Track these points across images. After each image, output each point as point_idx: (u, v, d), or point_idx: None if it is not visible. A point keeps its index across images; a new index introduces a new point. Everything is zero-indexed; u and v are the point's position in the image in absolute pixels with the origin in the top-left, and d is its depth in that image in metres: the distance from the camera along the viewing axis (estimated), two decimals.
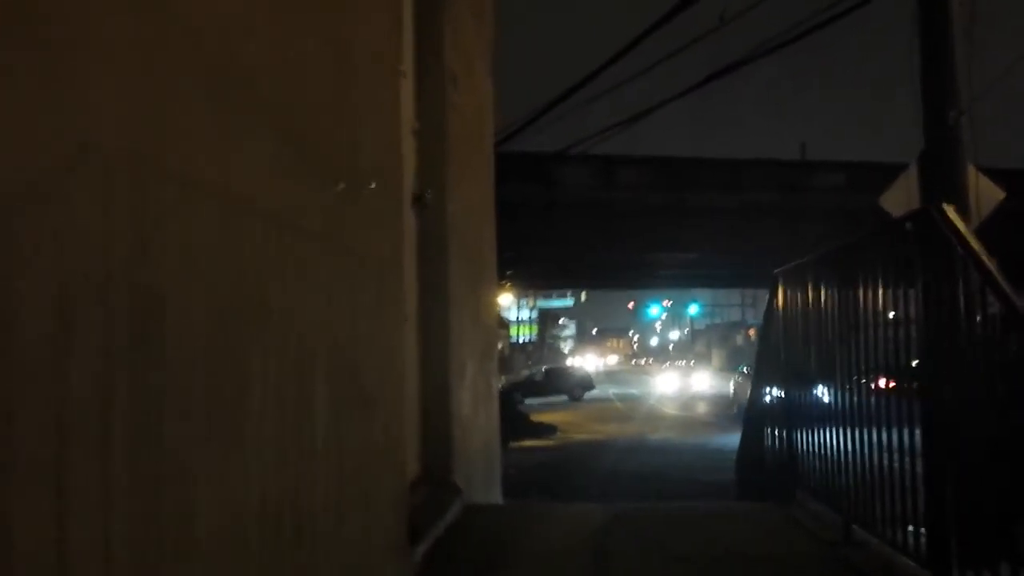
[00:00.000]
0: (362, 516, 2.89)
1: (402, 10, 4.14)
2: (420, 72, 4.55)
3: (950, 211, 3.04)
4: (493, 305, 7.15)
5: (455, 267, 4.79)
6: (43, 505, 1.22)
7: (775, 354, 5.34)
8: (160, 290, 1.49)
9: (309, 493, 2.32)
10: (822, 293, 4.31)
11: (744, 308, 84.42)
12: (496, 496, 6.51)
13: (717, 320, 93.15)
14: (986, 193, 9.18)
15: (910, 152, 9.78)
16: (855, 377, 3.95)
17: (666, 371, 55.67)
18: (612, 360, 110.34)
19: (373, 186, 2.88)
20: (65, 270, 1.26)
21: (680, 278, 39.69)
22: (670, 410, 36.15)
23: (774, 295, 5.21)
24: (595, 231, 27.43)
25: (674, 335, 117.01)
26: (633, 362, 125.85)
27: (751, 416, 6.11)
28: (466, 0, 5.35)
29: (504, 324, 56.12)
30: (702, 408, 36.46)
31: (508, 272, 33.95)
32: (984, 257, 2.82)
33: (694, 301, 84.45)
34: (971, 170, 9.10)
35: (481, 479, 5.66)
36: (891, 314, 3.61)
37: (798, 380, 4.89)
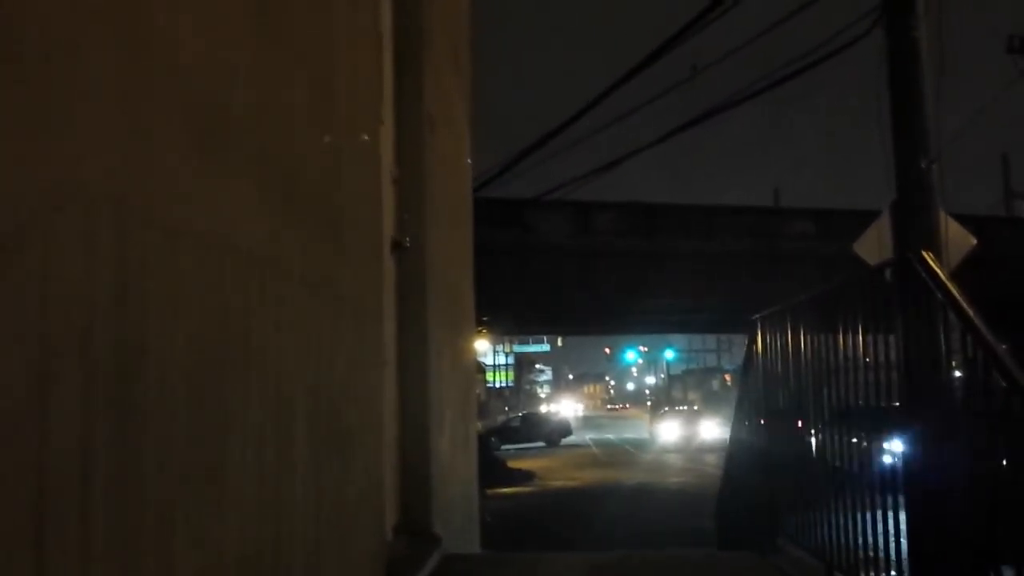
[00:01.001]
0: (340, 567, 2.83)
1: (382, 58, 4.16)
2: (400, 118, 4.56)
3: (929, 258, 3.07)
4: (471, 350, 7.12)
5: (434, 312, 4.76)
6: (23, 558, 1.17)
7: (754, 399, 5.35)
8: (141, 338, 1.46)
9: (288, 543, 2.27)
10: (802, 338, 4.33)
11: (720, 353, 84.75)
12: (475, 544, 6.42)
13: (693, 365, 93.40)
14: (957, 240, 9.32)
15: (883, 196, 9.92)
16: (835, 421, 3.96)
17: (665, 417, 47.77)
18: (586, 406, 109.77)
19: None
20: (46, 318, 1.22)
21: (656, 324, 39.81)
22: (678, 461, 32.71)
23: (753, 341, 5.23)
24: (571, 277, 27.53)
25: (650, 380, 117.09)
26: (608, 407, 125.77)
27: (730, 462, 6.09)
28: (444, 47, 5.39)
29: (480, 369, 55.92)
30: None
31: (484, 318, 33.91)
32: (964, 302, 2.84)
33: (670, 347, 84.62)
34: (943, 216, 9.23)
35: (460, 527, 5.58)
36: (868, 359, 3.62)
37: (777, 425, 4.89)
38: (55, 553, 1.24)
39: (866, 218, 10.51)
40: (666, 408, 52.16)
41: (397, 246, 4.39)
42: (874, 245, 9.65)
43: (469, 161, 6.96)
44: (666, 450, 38.48)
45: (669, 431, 43.77)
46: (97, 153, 1.37)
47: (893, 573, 3.48)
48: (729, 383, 76.80)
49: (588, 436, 49.50)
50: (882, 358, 3.48)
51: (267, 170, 2.13)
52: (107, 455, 1.35)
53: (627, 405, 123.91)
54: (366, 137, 3.26)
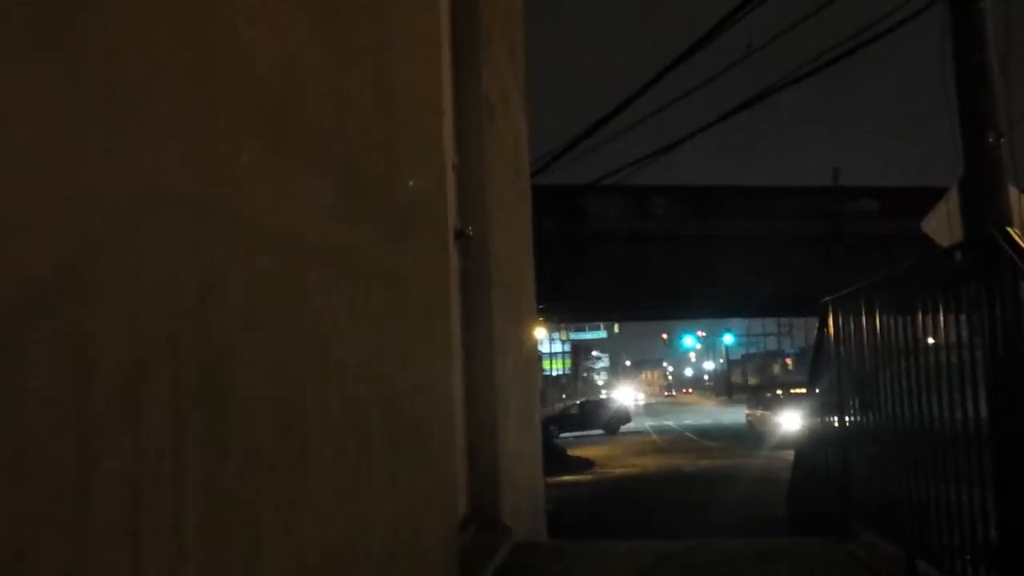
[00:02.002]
0: (414, 559, 2.83)
1: (440, 46, 4.13)
2: (459, 107, 4.54)
3: (1015, 234, 2.95)
4: (534, 339, 7.10)
5: (497, 301, 4.74)
6: (119, 556, 1.17)
7: (827, 382, 5.23)
8: (227, 337, 1.46)
9: (366, 533, 2.27)
10: (879, 320, 4.22)
11: (780, 337, 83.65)
12: (542, 532, 6.41)
13: (752, 350, 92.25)
14: None
15: (948, 174, 9.65)
16: (916, 403, 3.84)
17: (783, 405, 32.42)
18: (645, 393, 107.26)
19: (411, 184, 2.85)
20: (136, 320, 1.22)
21: (714, 308, 39.39)
22: None
23: (824, 323, 5.12)
24: (627, 262, 27.35)
25: (709, 365, 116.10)
26: (666, 394, 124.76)
27: (801, 448, 5.98)
28: (501, 33, 5.36)
29: (538, 357, 55.90)
30: None
31: (540, 305, 33.87)
32: None
33: (729, 331, 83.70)
34: (1013, 192, 8.95)
35: (527, 515, 5.57)
36: (950, 339, 3.51)
37: (853, 406, 4.78)
38: (148, 549, 1.24)
39: (930, 196, 10.21)
40: (778, 392, 37.50)
41: (460, 236, 4.38)
42: (943, 223, 9.40)
43: (527, 146, 6.92)
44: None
45: (791, 421, 28.78)
46: (179, 155, 1.37)
47: (982, 562, 3.35)
48: (791, 367, 75.79)
49: (647, 423, 49.26)
50: (964, 338, 3.36)
51: (336, 167, 2.12)
52: (197, 452, 1.35)
53: (690, 390, 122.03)
54: (428, 127, 3.24)
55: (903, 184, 26.61)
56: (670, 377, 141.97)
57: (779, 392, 38.93)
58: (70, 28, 1.14)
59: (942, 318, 3.47)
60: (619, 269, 27.61)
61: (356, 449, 2.15)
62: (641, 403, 79.09)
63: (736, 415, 46.21)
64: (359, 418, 2.18)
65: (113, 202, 1.21)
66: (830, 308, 4.96)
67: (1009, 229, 2.98)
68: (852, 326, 4.60)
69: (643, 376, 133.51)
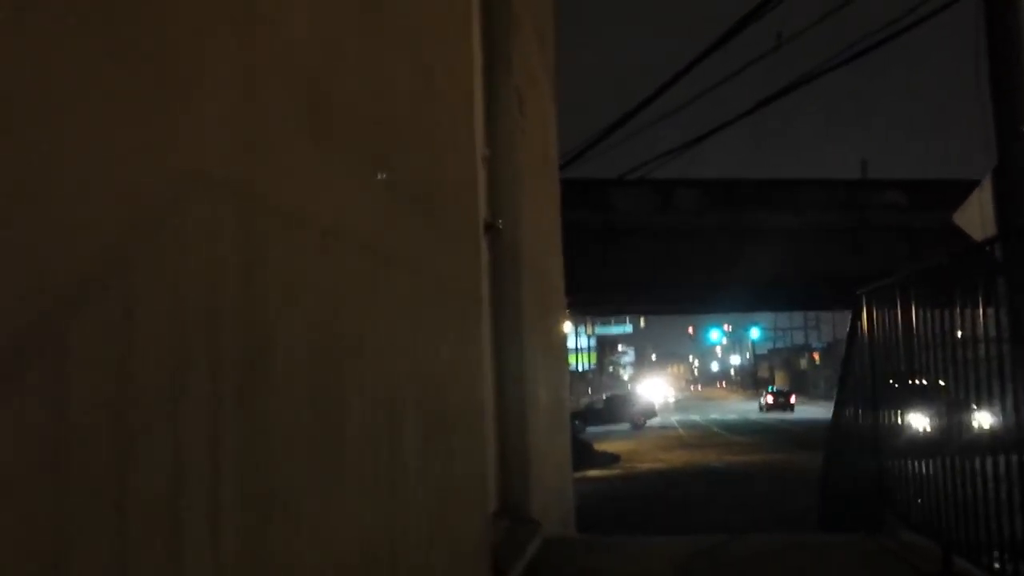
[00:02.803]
0: (448, 552, 2.82)
1: (472, 39, 4.12)
2: (489, 97, 4.52)
3: None
4: (562, 332, 7.07)
5: (527, 294, 4.72)
6: (158, 542, 1.17)
7: (860, 376, 5.17)
8: (266, 326, 1.44)
9: (401, 529, 2.26)
10: (915, 313, 4.16)
11: (807, 331, 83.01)
12: (571, 527, 6.39)
13: (779, 344, 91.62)
14: None
15: (979, 166, 9.50)
16: (953, 395, 3.79)
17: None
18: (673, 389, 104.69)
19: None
20: (178, 307, 1.21)
21: (740, 302, 39.16)
22: None
23: (858, 316, 5.06)
24: (653, 256, 27.25)
25: (735, 360, 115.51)
26: (691, 388, 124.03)
27: (833, 441, 5.92)
28: (531, 24, 5.33)
29: (566, 351, 55.77)
30: None
31: (567, 298, 33.82)
32: None
33: (755, 325, 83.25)
34: None
35: (556, 510, 5.55)
36: (989, 333, 3.44)
37: (887, 400, 4.72)
38: (188, 536, 1.24)
39: (959, 188, 10.05)
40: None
41: (489, 228, 4.36)
42: (975, 215, 9.25)
43: (556, 138, 6.89)
44: None
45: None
46: (219, 141, 1.36)
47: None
48: (818, 362, 75.17)
49: (674, 418, 49.08)
50: (1003, 331, 3.31)
51: (373, 155, 2.11)
52: (236, 443, 1.34)
53: (722, 384, 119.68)
54: (460, 119, 3.22)
55: (931, 176, 26.32)
56: (696, 371, 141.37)
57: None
58: (111, 11, 1.13)
59: (980, 311, 3.41)
60: (645, 262, 27.52)
61: (391, 440, 2.14)
62: (672, 400, 76.22)
63: (772, 412, 46.03)
64: (395, 409, 2.17)
65: (155, 190, 1.20)
66: (864, 301, 4.90)
67: None
68: (887, 319, 4.54)
69: (669, 370, 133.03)
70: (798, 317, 79.73)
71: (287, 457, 1.51)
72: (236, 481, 1.34)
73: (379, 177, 2.11)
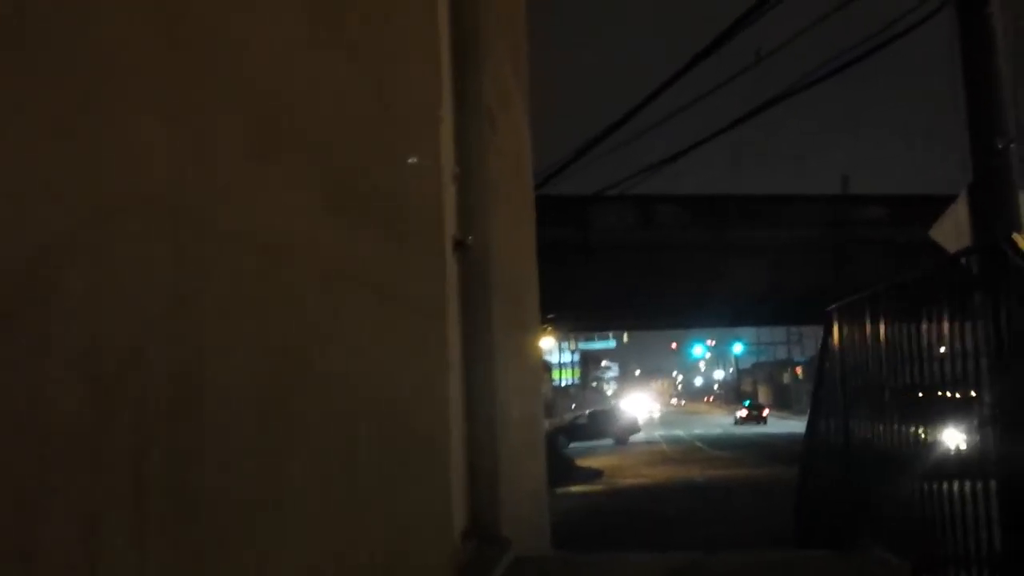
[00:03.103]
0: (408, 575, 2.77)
1: (440, 54, 4.10)
2: (459, 116, 4.50)
3: (1021, 241, 2.90)
4: (537, 349, 7.05)
5: (498, 312, 4.69)
6: None
7: (832, 392, 5.17)
8: (199, 351, 1.40)
9: (356, 554, 2.22)
10: (882, 328, 4.16)
11: (790, 345, 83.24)
12: (545, 545, 6.35)
13: (763, 358, 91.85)
14: None
15: (961, 181, 9.55)
16: (922, 413, 3.78)
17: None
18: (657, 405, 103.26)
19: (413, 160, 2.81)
20: (102, 330, 1.17)
21: (723, 317, 39.28)
22: None
23: (829, 332, 5.06)
24: (635, 272, 27.31)
25: (719, 375, 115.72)
26: (674, 402, 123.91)
27: (807, 457, 5.91)
28: (503, 42, 5.32)
29: (546, 367, 55.82)
30: None
31: (548, 315, 33.83)
32: None
33: (738, 340, 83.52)
34: (1023, 199, 8.86)
35: (529, 527, 5.51)
36: (952, 348, 3.44)
37: (857, 418, 4.71)
38: (109, 571, 1.19)
39: (942, 203, 10.11)
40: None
41: (459, 245, 4.33)
42: (951, 230, 9.30)
43: (530, 156, 6.88)
44: None
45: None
46: (151, 158, 1.32)
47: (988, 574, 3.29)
48: (800, 376, 75.40)
49: (657, 433, 49.06)
50: (969, 346, 3.30)
51: (327, 172, 2.08)
52: (165, 464, 1.30)
53: (709, 399, 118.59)
54: (425, 135, 3.19)
55: (913, 191, 26.49)
56: (679, 386, 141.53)
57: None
58: (36, 23, 1.10)
59: (947, 327, 3.42)
60: (627, 278, 27.58)
61: (343, 467, 2.09)
62: (656, 416, 76.08)
63: (747, 425, 46.17)
64: (347, 433, 2.12)
65: (80, 208, 1.16)
66: (835, 317, 4.91)
67: (1015, 236, 2.92)
68: (856, 335, 4.55)
69: (653, 385, 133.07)
70: (781, 332, 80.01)
71: (222, 483, 1.47)
72: (165, 509, 1.30)
73: (334, 196, 2.08)
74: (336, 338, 2.08)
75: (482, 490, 4.40)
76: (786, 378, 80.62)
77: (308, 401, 1.87)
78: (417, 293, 2.96)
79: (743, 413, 57.84)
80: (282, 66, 1.83)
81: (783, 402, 71.74)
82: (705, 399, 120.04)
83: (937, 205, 10.17)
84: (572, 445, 38.09)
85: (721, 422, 62.24)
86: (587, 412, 49.17)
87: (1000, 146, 8.91)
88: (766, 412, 57.92)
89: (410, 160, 2.96)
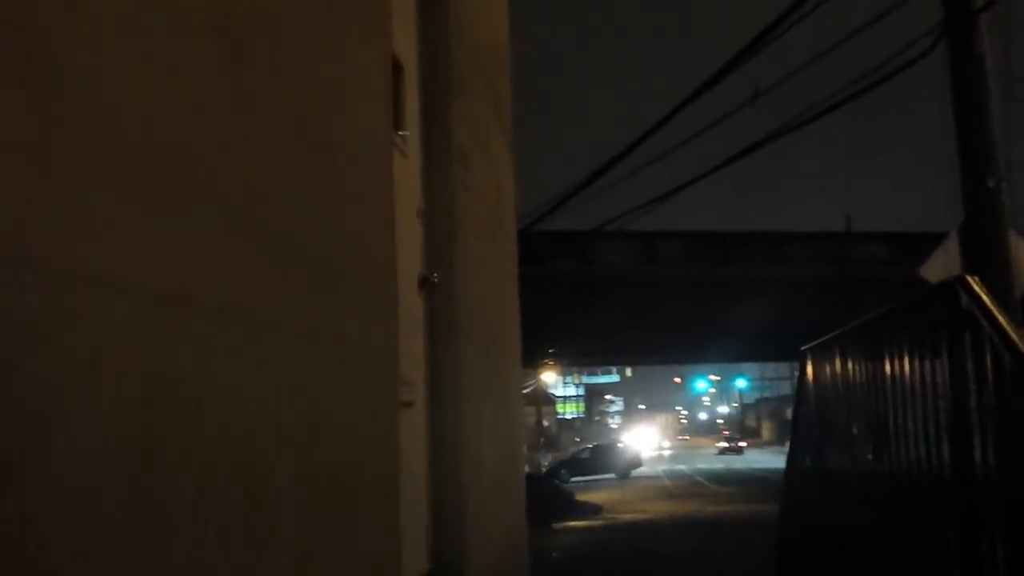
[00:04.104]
0: None
1: (404, 89, 4.09)
2: (427, 151, 4.48)
3: (975, 283, 2.85)
4: (518, 386, 6.98)
5: (468, 351, 4.64)
6: None
7: (808, 432, 5.12)
8: (46, 415, 1.32)
9: None
10: (850, 367, 4.12)
11: (793, 381, 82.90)
12: None
13: (766, 394, 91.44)
14: None
15: (956, 218, 9.51)
16: (889, 451, 3.73)
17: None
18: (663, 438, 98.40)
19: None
20: None
21: (726, 353, 39.17)
22: None
23: (804, 372, 5.03)
24: (637, 307, 27.30)
25: (723, 409, 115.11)
26: (679, 438, 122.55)
27: (787, 494, 5.84)
28: (477, 79, 5.32)
29: (550, 401, 55.59)
30: None
31: (551, 350, 33.75)
32: (1012, 331, 2.62)
33: (742, 375, 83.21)
34: (1013, 237, 8.81)
35: (503, 570, 5.42)
36: (926, 386, 3.40)
37: (832, 456, 4.67)
38: None
39: (938, 241, 10.10)
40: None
41: (425, 282, 4.29)
42: (941, 268, 9.25)
43: (513, 193, 6.85)
44: None
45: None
46: (38, 214, 1.28)
47: None
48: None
49: (659, 468, 48.74)
50: (929, 384, 3.26)
51: (239, 212, 2.02)
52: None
53: (725, 433, 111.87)
54: (376, 173, 3.16)
55: (913, 229, 26.48)
56: (684, 421, 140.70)
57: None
58: None
59: (908, 366, 3.37)
60: (629, 314, 27.58)
61: (250, 544, 1.98)
62: (667, 452, 73.67)
63: (749, 459, 45.84)
64: (259, 499, 2.01)
65: None
66: (808, 356, 4.88)
67: (969, 278, 2.88)
68: (828, 374, 4.51)
69: (657, 420, 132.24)
70: (785, 367, 79.71)
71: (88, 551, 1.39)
72: None
73: (247, 237, 2.04)
74: (244, 394, 1.98)
75: (447, 538, 4.31)
76: (789, 413, 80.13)
77: (201, 470, 1.75)
78: (362, 336, 2.90)
79: (724, 444, 68.55)
80: (176, 96, 1.74)
81: (786, 437, 71.33)
82: (729, 440, 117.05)
83: (935, 243, 10.14)
84: (574, 479, 37.86)
85: (723, 457, 61.86)
86: (590, 446, 48.91)
87: (991, 185, 8.89)
88: (743, 444, 69.18)
89: (358, 199, 2.92)
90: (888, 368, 3.56)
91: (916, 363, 3.32)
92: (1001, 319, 2.65)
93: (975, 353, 2.79)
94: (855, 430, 4.12)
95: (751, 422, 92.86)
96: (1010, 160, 9.29)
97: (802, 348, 4.95)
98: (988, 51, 9.46)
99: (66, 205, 1.36)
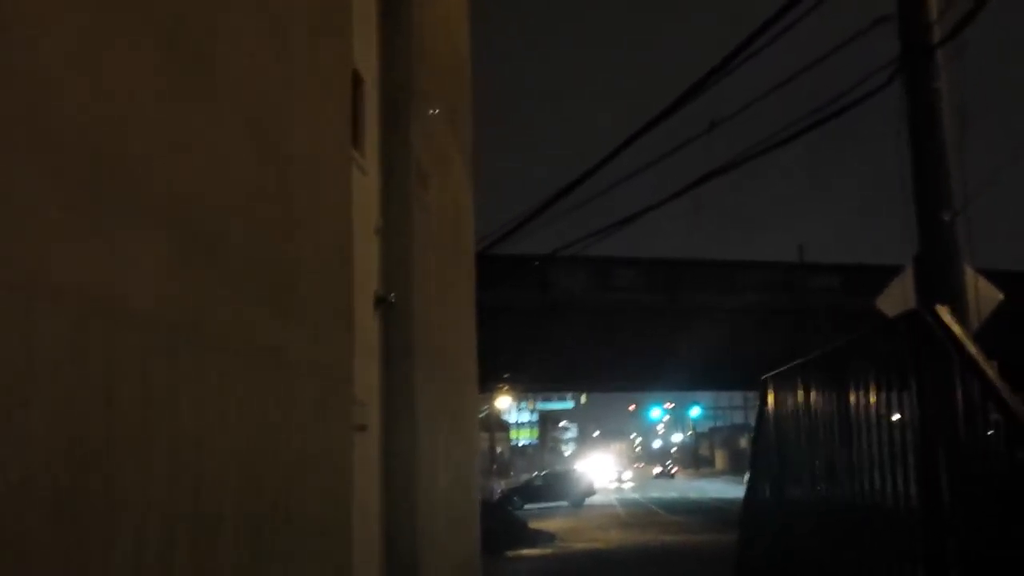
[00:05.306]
0: None
1: (363, 109, 3.99)
2: (386, 170, 4.38)
3: (944, 313, 2.80)
4: (474, 410, 6.86)
5: (424, 370, 4.52)
6: None
7: (767, 462, 5.05)
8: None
9: None
10: (812, 397, 4.06)
11: (747, 410, 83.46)
12: None
13: (720, 423, 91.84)
14: (985, 294, 8.95)
15: (910, 252, 9.58)
16: (850, 480, 3.67)
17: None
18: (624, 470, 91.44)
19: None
20: None
21: (680, 380, 39.31)
22: None
23: (764, 401, 4.97)
24: (592, 333, 27.27)
25: (676, 438, 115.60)
26: (634, 466, 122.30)
27: (746, 524, 5.76)
28: (438, 102, 5.23)
29: (504, 427, 55.23)
30: None
31: (505, 375, 33.59)
32: (982, 362, 2.57)
33: (696, 404, 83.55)
34: (968, 271, 8.88)
35: None
36: (891, 417, 3.35)
37: (791, 486, 4.60)
38: None
39: (892, 273, 10.16)
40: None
41: (381, 302, 4.17)
42: (898, 300, 9.29)
43: (472, 215, 6.77)
44: None
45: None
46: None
47: None
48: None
49: (613, 496, 48.61)
50: (897, 416, 3.20)
51: (183, 224, 1.90)
52: None
53: (671, 469, 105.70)
54: (331, 193, 3.04)
55: (865, 261, 26.86)
56: (638, 449, 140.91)
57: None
58: None
59: (872, 396, 3.31)
60: (584, 340, 27.53)
61: (195, 568, 1.86)
62: (628, 484, 66.17)
63: (703, 488, 45.96)
64: (202, 523, 1.89)
65: None
66: (769, 385, 4.82)
67: (939, 308, 2.82)
68: (789, 404, 4.45)
69: (612, 447, 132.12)
70: (739, 396, 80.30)
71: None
72: None
73: (191, 249, 1.91)
74: (185, 409, 1.86)
75: (400, 564, 4.16)
76: (743, 443, 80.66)
77: (138, 490, 1.64)
78: (311, 355, 2.77)
79: (658, 470, 79.27)
80: (114, 98, 1.64)
81: (740, 466, 71.71)
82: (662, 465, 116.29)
83: (888, 275, 10.20)
84: (527, 507, 37.57)
85: (677, 485, 61.92)
86: (543, 473, 48.58)
87: (946, 219, 8.96)
88: (674, 470, 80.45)
89: (307, 214, 2.81)
90: (853, 397, 3.50)
91: (882, 392, 3.26)
92: (971, 348, 2.61)
93: (943, 381, 2.74)
94: (817, 460, 4.06)
95: (704, 451, 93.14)
96: (966, 194, 9.38)
97: (763, 377, 4.89)
98: (945, 86, 9.59)
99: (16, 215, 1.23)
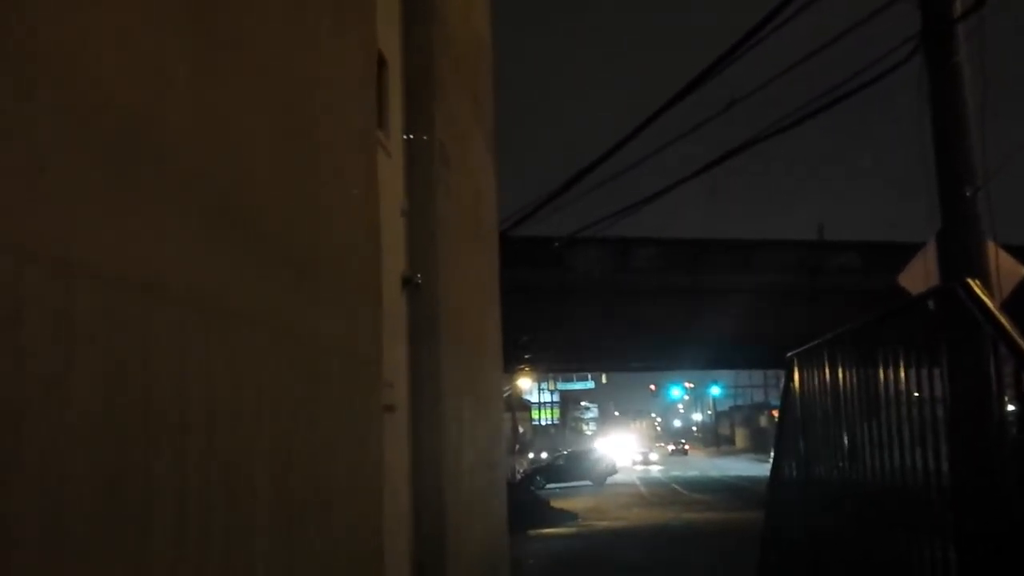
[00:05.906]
0: None
1: (388, 93, 3.99)
2: (410, 152, 4.39)
3: (976, 287, 2.78)
4: (498, 391, 6.88)
5: (450, 351, 4.54)
6: None
7: (794, 441, 5.04)
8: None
9: None
10: (840, 374, 4.05)
11: (767, 389, 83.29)
12: None
13: (740, 401, 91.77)
14: (1007, 269, 8.89)
15: (933, 228, 9.51)
16: (879, 457, 3.66)
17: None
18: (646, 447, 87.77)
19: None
20: None
21: (699, 360, 39.22)
22: None
23: (790, 378, 4.95)
24: (612, 314, 27.24)
25: (697, 417, 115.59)
26: (657, 445, 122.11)
27: (771, 504, 5.76)
28: (461, 83, 5.23)
29: (526, 407, 55.42)
30: None
31: (526, 356, 33.66)
32: (1018, 336, 2.55)
33: (716, 383, 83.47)
34: (991, 246, 8.82)
35: (483, 571, 5.31)
36: (915, 394, 3.33)
37: (818, 466, 4.59)
38: None
39: (914, 251, 10.09)
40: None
41: (407, 283, 4.19)
42: (920, 277, 9.25)
43: (495, 196, 6.77)
44: None
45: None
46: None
47: None
48: (776, 419, 75.20)
49: (636, 475, 48.72)
50: (925, 391, 3.19)
51: (216, 203, 1.91)
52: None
53: (684, 446, 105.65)
54: (354, 173, 3.05)
55: (886, 239, 26.66)
56: (658, 428, 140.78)
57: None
58: None
59: (901, 372, 3.30)
60: (604, 320, 27.52)
61: (227, 536, 1.89)
62: (654, 467, 62.76)
63: (724, 466, 45.95)
64: (235, 496, 1.92)
65: None
66: (795, 363, 4.80)
67: (970, 281, 2.81)
68: (816, 381, 4.43)
69: (632, 426, 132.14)
70: (759, 375, 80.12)
71: (56, 547, 1.29)
72: None
73: (224, 230, 1.93)
74: (217, 385, 1.88)
75: (429, 539, 4.21)
76: (763, 421, 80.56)
77: (173, 463, 1.65)
78: (339, 335, 2.79)
79: (672, 447, 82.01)
80: (146, 77, 1.64)
81: (760, 445, 71.63)
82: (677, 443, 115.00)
83: (909, 252, 10.14)
84: (549, 486, 37.72)
85: (699, 464, 61.88)
86: (565, 453, 48.73)
87: (968, 194, 8.89)
88: (687, 447, 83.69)
89: (335, 196, 2.82)
90: (882, 373, 3.49)
91: (912, 368, 3.25)
92: (1006, 323, 2.59)
93: (976, 357, 2.72)
94: (845, 437, 4.04)
95: (724, 430, 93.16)
96: (987, 169, 9.29)
97: (789, 354, 4.87)
98: (966, 60, 9.47)
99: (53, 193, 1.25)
